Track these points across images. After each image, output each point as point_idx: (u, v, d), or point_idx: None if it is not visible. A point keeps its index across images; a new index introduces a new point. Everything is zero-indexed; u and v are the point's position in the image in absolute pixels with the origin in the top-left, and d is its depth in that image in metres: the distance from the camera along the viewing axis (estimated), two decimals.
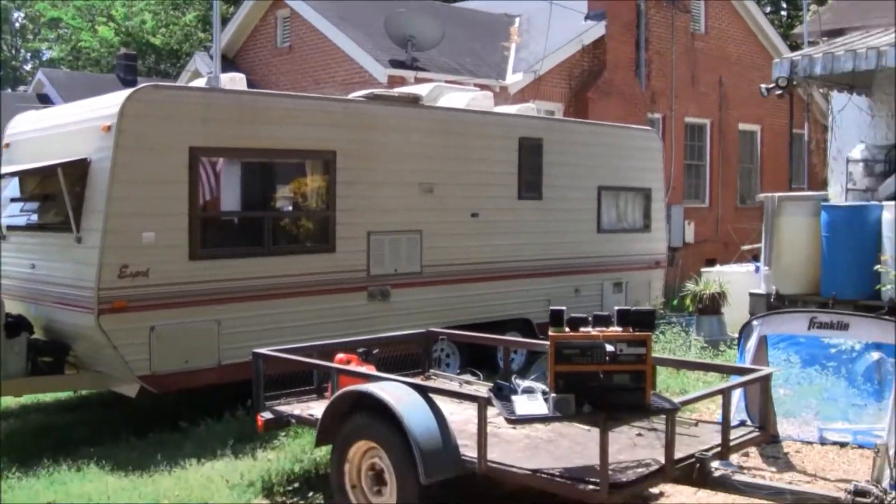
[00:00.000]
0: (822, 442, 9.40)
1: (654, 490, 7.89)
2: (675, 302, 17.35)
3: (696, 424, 7.62)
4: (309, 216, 11.45)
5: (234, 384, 10.02)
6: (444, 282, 12.46)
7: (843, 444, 9.28)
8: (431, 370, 9.45)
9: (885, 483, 6.48)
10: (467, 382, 8.89)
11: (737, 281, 15.84)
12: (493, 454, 6.48)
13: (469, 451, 6.44)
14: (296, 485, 7.94)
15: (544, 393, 6.16)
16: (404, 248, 12.03)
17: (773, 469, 8.63)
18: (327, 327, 10.78)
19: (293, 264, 10.98)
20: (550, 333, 5.89)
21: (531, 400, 6.09)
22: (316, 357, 8.42)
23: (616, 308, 6.02)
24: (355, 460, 6.98)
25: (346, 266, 11.44)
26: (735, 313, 14.13)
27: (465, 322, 12.24)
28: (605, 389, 5.88)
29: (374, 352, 8.66)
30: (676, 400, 6.57)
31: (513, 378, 6.96)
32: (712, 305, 15.17)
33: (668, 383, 11.20)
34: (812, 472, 8.56)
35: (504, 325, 12.91)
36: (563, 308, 5.96)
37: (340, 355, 8.36)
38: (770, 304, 13.63)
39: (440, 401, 6.83)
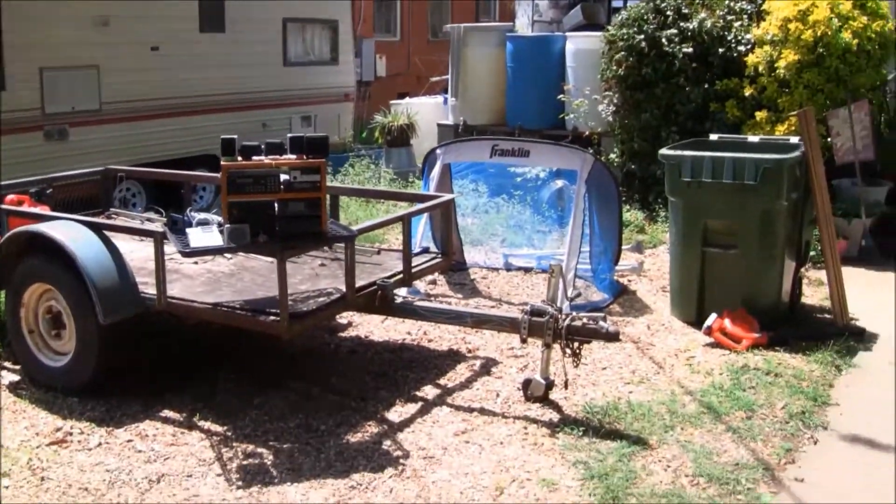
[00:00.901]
0: (508, 268, 9.82)
1: (343, 320, 8.02)
2: (364, 135, 17.46)
3: (378, 253, 7.77)
4: None
5: None
6: (127, 119, 12.02)
7: (527, 270, 9.72)
8: (112, 209, 9.13)
9: (565, 305, 6.77)
10: (149, 220, 8.66)
11: (426, 112, 16.07)
12: (174, 290, 6.43)
13: (149, 288, 6.31)
14: None
15: (220, 225, 6.07)
16: (81, 85, 11.46)
17: (460, 295, 8.95)
18: None
19: None
20: (222, 163, 5.76)
21: (206, 232, 6.00)
22: None
23: (288, 135, 5.94)
24: (31, 304, 6.71)
25: (18, 104, 10.80)
26: (425, 145, 14.34)
27: (150, 160, 11.87)
28: (280, 218, 5.85)
29: (48, 192, 8.22)
30: (356, 228, 6.63)
31: (188, 211, 6.81)
32: (401, 137, 15.37)
33: (357, 215, 11.32)
34: (497, 297, 8.95)
35: (193, 162, 12.64)
36: (235, 136, 5.83)
37: (11, 196, 7.90)
38: (458, 135, 13.96)
39: (119, 240, 6.66)
